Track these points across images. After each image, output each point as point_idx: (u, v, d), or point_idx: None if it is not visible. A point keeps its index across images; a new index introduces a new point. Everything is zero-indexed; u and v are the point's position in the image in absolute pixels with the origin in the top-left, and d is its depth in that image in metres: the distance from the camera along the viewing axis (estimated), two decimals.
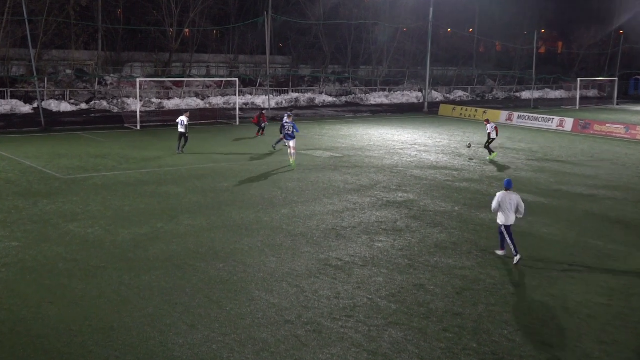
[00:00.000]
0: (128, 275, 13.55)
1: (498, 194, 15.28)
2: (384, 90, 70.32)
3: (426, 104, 57.61)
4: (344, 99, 64.68)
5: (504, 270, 14.70)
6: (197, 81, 58.97)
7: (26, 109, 46.13)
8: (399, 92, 69.99)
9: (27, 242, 15.60)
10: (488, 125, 30.47)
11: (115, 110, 49.02)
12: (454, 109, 53.14)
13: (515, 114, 48.44)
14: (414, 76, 75.01)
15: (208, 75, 64.17)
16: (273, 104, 56.04)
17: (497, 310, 12.44)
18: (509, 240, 15.29)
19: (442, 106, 55.15)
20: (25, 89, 49.86)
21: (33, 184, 22.18)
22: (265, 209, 19.42)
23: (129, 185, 22.23)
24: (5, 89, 48.08)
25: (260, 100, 57.29)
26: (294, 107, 57.28)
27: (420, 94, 68.11)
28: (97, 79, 54.05)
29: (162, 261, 14.48)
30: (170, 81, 57.25)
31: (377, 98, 66.20)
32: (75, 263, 14.21)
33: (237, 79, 46.67)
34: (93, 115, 46.45)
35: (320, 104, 60.85)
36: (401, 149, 32.63)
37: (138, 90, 40.55)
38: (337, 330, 11.33)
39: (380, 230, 17.62)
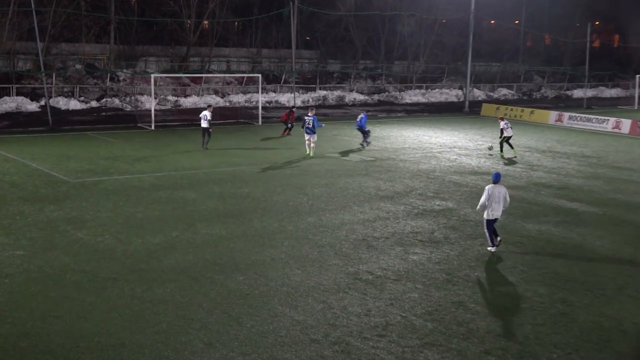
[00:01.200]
0: (140, 287, 13.64)
1: (487, 187, 16.66)
2: (420, 87, 70.10)
3: (467, 103, 57.31)
4: (376, 97, 64.59)
5: (552, 286, 14.55)
6: (216, 77, 59.32)
7: (32, 106, 46.71)
8: (437, 89, 69.71)
9: (33, 251, 15.78)
10: (502, 122, 32.56)
11: (128, 108, 49.47)
12: (497, 108, 52.80)
13: (566, 115, 48.01)
14: (453, 72, 74.68)
15: (228, 70, 64.52)
16: (299, 102, 56.14)
17: (545, 332, 12.30)
18: (486, 231, 16.79)
19: (484, 105, 54.81)
20: (32, 85, 50.51)
21: (39, 187, 22.46)
22: (289, 217, 19.44)
23: (142, 190, 22.40)
24: (10, 85, 48.73)
25: (285, 98, 57.45)
26: (321, 106, 57.36)
27: (460, 92, 67.75)
28: (108, 75, 54.62)
29: (177, 273, 14.56)
30: (188, 77, 57.64)
31: (413, 96, 66.01)
32: (84, 274, 14.35)
33: (259, 75, 46.86)
34: (104, 113, 46.93)
35: (351, 103, 60.82)
36: (439, 153, 32.49)
37: (153, 87, 40.89)
38: (367, 351, 11.29)
39: (416, 241, 17.54)
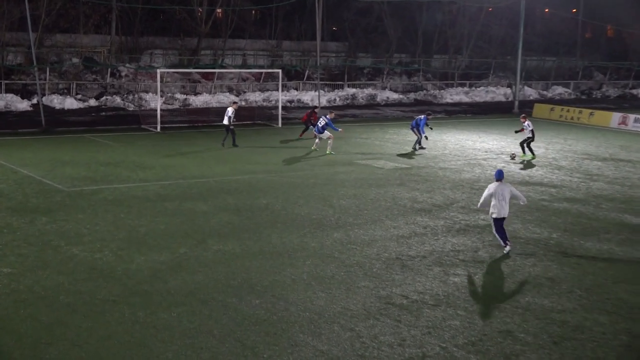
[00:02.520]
0: (143, 311, 13.69)
1: (490, 185, 18.18)
2: (463, 85, 69.92)
3: (516, 102, 57.03)
4: (412, 95, 64.53)
5: (615, 315, 14.40)
6: (231, 73, 59.59)
7: (23, 105, 47.18)
8: (482, 87, 69.50)
9: (22, 269, 15.89)
10: (526, 122, 33.33)
11: (131, 107, 49.83)
12: (552, 109, 52.51)
13: (631, 117, 47.60)
14: (501, 68, 74.41)
15: (244, 65, 64.81)
16: (324, 102, 56.23)
17: None
18: (497, 234, 18.19)
19: (536, 106, 54.51)
20: (23, 82, 51.05)
21: (30, 197, 22.65)
22: (313, 232, 19.43)
23: (146, 201, 22.52)
24: None
25: (309, 96, 57.57)
26: (349, 106, 57.39)
27: (509, 91, 67.45)
28: (109, 70, 55.07)
29: (184, 295, 14.59)
30: (198, 73, 57.95)
31: (455, 95, 65.86)
32: (80, 295, 14.43)
33: (280, 71, 46.92)
34: (104, 113, 47.30)
35: (383, 102, 60.81)
36: (484, 160, 32.36)
37: (159, 84, 41.12)
38: None
39: (457, 261, 17.45)
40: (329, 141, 32.93)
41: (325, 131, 32.93)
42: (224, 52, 63.98)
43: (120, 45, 59.80)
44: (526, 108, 55.83)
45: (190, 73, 57.54)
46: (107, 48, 58.44)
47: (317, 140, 33.47)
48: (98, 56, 58.27)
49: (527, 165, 31.41)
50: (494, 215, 18.11)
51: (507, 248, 18.20)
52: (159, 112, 40.03)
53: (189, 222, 20.10)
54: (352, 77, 65.80)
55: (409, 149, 34.48)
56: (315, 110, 38.09)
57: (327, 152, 32.59)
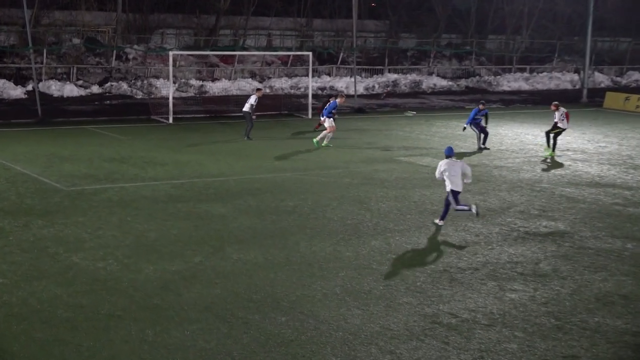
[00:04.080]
0: (152, 329, 13.78)
1: (441, 163, 20.88)
2: (522, 70, 69.56)
3: (585, 91, 56.65)
4: (463, 82, 64.31)
5: None
6: (253, 56, 59.71)
7: (17, 92, 47.63)
8: (544, 73, 69.11)
9: (15, 279, 16.05)
10: (557, 112, 32.55)
11: (139, 95, 50.15)
12: (627, 99, 52.05)
13: None
14: (567, 51, 73.94)
15: (269, 47, 64.95)
16: (361, 89, 56.22)
17: None
18: (456, 206, 20.74)
19: (608, 95, 54.09)
20: (17, 65, 51.52)
21: (24, 197, 22.88)
22: (347, 240, 19.45)
23: (156, 202, 22.66)
24: None
25: (343, 82, 57.56)
26: (390, 94, 57.29)
27: (576, 77, 66.99)
28: (114, 52, 55.41)
29: (200, 310, 14.67)
30: (217, 55, 58.13)
31: (513, 82, 65.55)
32: (80, 310, 14.54)
33: (310, 54, 46.90)
34: (108, 102, 47.68)
35: (430, 90, 60.69)
36: (549, 155, 32.20)
37: (171, 68, 41.30)
38: None
39: (515, 274, 17.38)
40: (325, 130, 32.98)
41: (329, 119, 32.81)
42: (245, 31, 64.16)
43: (127, 23, 60.15)
44: (596, 97, 55.48)
45: (207, 56, 57.73)
46: (112, 27, 58.80)
47: (329, 133, 33.10)
48: (102, 36, 58.65)
49: (554, 163, 30.96)
50: (450, 187, 20.71)
51: (441, 223, 20.98)
52: (171, 100, 40.20)
53: (205, 227, 20.19)
54: (394, 61, 65.67)
55: (460, 144, 34.36)
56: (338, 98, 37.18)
57: (316, 140, 32.68)
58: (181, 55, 55.03)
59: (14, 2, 51.12)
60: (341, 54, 63.09)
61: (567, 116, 32.47)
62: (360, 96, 53.06)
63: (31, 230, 19.43)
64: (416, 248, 19.01)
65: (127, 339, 13.32)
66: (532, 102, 55.18)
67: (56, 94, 48.53)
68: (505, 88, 63.98)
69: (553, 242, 19.94)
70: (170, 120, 39.18)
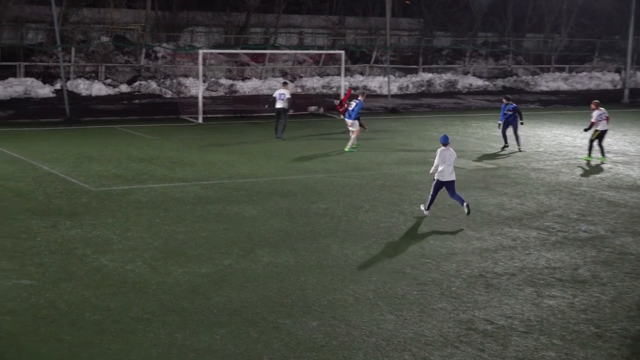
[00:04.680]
0: (181, 332, 13.83)
1: (438, 150, 21.63)
2: (561, 70, 69.22)
3: (627, 91, 56.29)
4: (500, 82, 64.08)
5: None
6: (285, 54, 59.82)
7: (45, 91, 48.00)
8: (584, 73, 68.73)
9: (43, 281, 16.17)
10: (595, 111, 31.60)
11: (168, 94, 50.39)
12: None
13: None
14: (607, 50, 73.48)
15: (301, 45, 65.02)
16: (394, 89, 56.16)
17: None
18: (431, 195, 21.89)
19: None
20: (45, 63, 51.91)
21: (52, 197, 23.05)
22: (380, 243, 19.43)
23: (185, 203, 22.75)
24: (17, 63, 50.15)
25: (377, 82, 57.57)
26: (424, 94, 57.20)
27: (617, 77, 66.55)
28: (143, 50, 55.70)
29: (229, 314, 14.71)
30: (247, 54, 58.29)
31: (551, 82, 65.26)
32: (108, 313, 14.63)
33: (342, 52, 46.98)
34: (137, 101, 47.92)
35: (465, 90, 60.54)
36: (587, 159, 32.02)
37: (201, 67, 41.47)
38: None
39: (553, 280, 17.29)
40: (351, 135, 32.32)
41: (355, 120, 32.22)
42: (276, 30, 64.26)
43: (157, 21, 60.45)
44: (639, 97, 55.08)
45: (237, 54, 57.90)
46: (141, 25, 59.09)
47: (351, 134, 32.49)
48: (131, 34, 58.97)
49: (594, 166, 30.76)
50: (437, 176, 21.72)
51: (427, 212, 22.05)
52: (200, 100, 40.37)
53: (235, 229, 20.25)
54: (428, 60, 65.59)
55: (496, 145, 34.25)
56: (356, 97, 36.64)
57: (346, 148, 32.16)
58: (211, 53, 55.21)
59: (42, 0, 51.52)
60: (374, 53, 63.04)
61: (607, 119, 31.74)
62: (394, 96, 53.00)
63: (59, 231, 19.58)
64: (451, 252, 18.96)
65: (156, 343, 13.38)
66: (571, 103, 54.89)
67: (84, 92, 48.87)
68: (544, 88, 63.69)
69: (593, 247, 19.81)
70: (200, 120, 39.32)
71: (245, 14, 62.11)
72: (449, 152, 21.64)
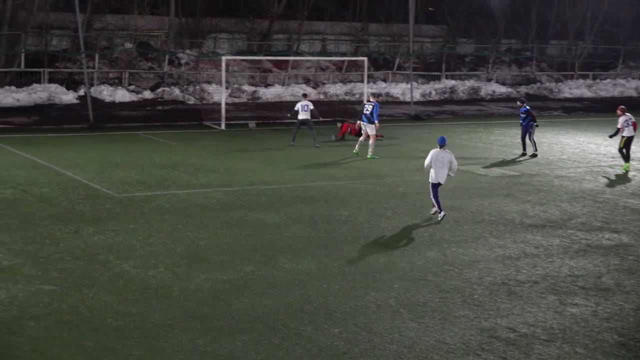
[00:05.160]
0: (203, 338, 13.85)
1: (431, 152, 22.22)
2: (585, 77, 68.99)
3: None
4: (523, 89, 63.93)
5: None
6: (307, 61, 59.90)
7: (69, 97, 48.30)
8: (608, 80, 68.47)
9: (65, 286, 16.24)
10: (621, 117, 31.03)
11: (192, 101, 50.56)
12: None
13: None
14: (632, 56, 73.14)
15: (323, 52, 65.10)
16: (417, 96, 56.11)
17: None
18: (433, 198, 22.22)
19: None
20: (69, 70, 52.24)
21: (75, 203, 23.16)
22: (402, 250, 19.41)
23: (208, 210, 22.80)
24: (41, 69, 50.47)
25: (399, 89, 57.57)
26: (447, 101, 57.15)
27: None
28: (167, 57, 55.93)
29: (251, 321, 14.72)
30: (270, 60, 58.42)
31: (575, 89, 65.05)
32: (131, 318, 14.68)
33: (365, 59, 47.02)
34: (160, 107, 48.11)
35: (488, 97, 60.42)
36: (610, 167, 31.86)
37: (224, 73, 41.59)
38: None
39: (576, 288, 17.21)
40: (369, 141, 32.28)
41: (372, 124, 32.12)
42: (299, 36, 64.38)
43: (180, 28, 60.70)
44: None
45: (260, 61, 58.06)
46: (164, 31, 59.36)
47: (363, 137, 32.72)
48: (154, 41, 59.23)
49: (620, 175, 30.64)
50: (431, 180, 22.24)
51: (442, 214, 22.16)
52: (223, 106, 40.48)
53: (257, 236, 20.27)
54: (451, 67, 65.54)
55: (519, 153, 34.15)
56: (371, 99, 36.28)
57: (369, 155, 32.08)
58: (234, 60, 55.36)
59: (66, 6, 51.82)
60: (397, 60, 63.05)
61: (634, 125, 31.27)
62: (417, 103, 52.96)
63: (82, 237, 19.66)
64: (473, 259, 18.90)
65: (178, 349, 13.41)
66: (595, 110, 54.69)
67: (108, 99, 49.12)
68: (567, 95, 63.50)
69: (616, 255, 19.70)
70: (223, 127, 39.42)
71: (268, 20, 62.26)
72: (443, 154, 22.22)
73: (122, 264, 17.71)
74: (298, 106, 34.45)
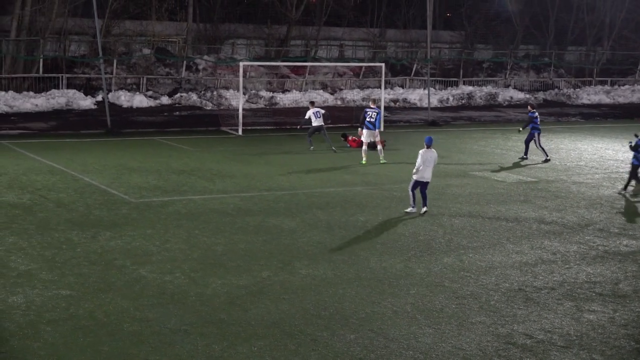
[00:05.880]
0: (219, 344, 13.87)
1: (420, 152, 23.17)
2: (603, 83, 68.79)
3: None
4: (541, 95, 63.83)
5: None
6: (325, 67, 59.95)
7: (87, 103, 48.48)
8: (627, 86, 68.23)
9: (82, 291, 16.30)
10: None
11: (209, 106, 50.67)
12: None
13: None
14: None
15: (341, 58, 65.17)
16: (435, 101, 56.07)
17: None
18: (418, 194, 23.38)
19: None
20: (87, 75, 52.47)
21: (92, 208, 23.24)
22: (419, 256, 19.38)
23: (225, 215, 22.84)
24: (59, 75, 50.69)
25: (417, 95, 57.52)
26: (464, 107, 57.08)
27: None
28: (185, 63, 56.08)
29: (267, 326, 14.73)
30: (287, 66, 58.50)
31: (593, 95, 64.83)
32: (147, 324, 14.71)
33: (383, 65, 47.02)
34: (178, 113, 48.23)
35: (506, 103, 60.29)
36: (628, 173, 31.71)
37: (241, 79, 41.64)
38: None
39: (593, 294, 17.15)
40: (378, 147, 32.72)
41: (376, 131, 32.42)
42: (317, 42, 64.47)
43: (198, 33, 60.92)
44: None
45: (277, 67, 58.15)
46: (182, 37, 59.58)
47: (370, 143, 32.61)
48: (172, 46, 59.46)
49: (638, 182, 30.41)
50: (415, 177, 23.23)
51: (411, 209, 23.44)
52: (240, 112, 40.54)
53: (274, 241, 20.29)
54: (469, 73, 65.44)
55: (537, 159, 34.08)
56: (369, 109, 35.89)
57: (381, 160, 32.31)
58: (251, 65, 55.48)
59: (85, 12, 52.08)
60: (415, 65, 63.01)
61: None
62: (434, 109, 52.92)
63: (99, 242, 19.72)
64: (490, 266, 18.87)
65: (194, 354, 13.43)
66: (613, 116, 54.51)
67: (125, 104, 49.30)
68: (585, 101, 63.29)
69: (634, 261, 19.63)
70: (240, 132, 39.48)
71: (285, 26, 62.35)
72: (431, 154, 23.27)
73: (138, 269, 17.76)
74: (310, 114, 34.54)
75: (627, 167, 31.90)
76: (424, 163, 23.09)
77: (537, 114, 34.16)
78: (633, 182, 27.80)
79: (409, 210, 23.46)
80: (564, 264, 19.20)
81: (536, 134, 33.79)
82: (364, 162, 31.83)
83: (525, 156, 34.05)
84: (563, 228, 22.59)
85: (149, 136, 38.42)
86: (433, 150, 23.44)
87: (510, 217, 23.55)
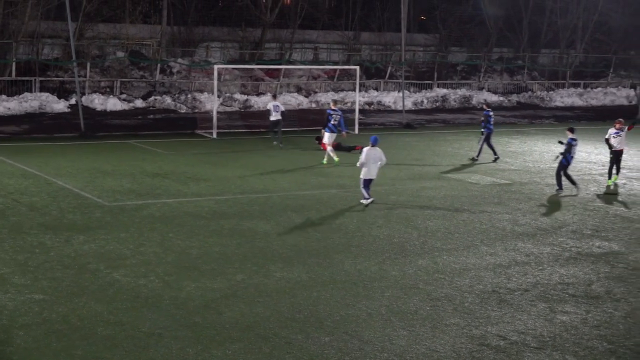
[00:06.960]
0: (193, 347, 13.85)
1: (364, 149, 24.50)
2: (576, 85, 69.13)
3: None
4: (514, 97, 64.03)
5: None
6: (299, 70, 59.93)
7: (60, 106, 48.18)
8: (599, 88, 68.63)
9: (55, 295, 16.23)
10: (614, 127, 30.13)
11: (183, 110, 50.54)
12: None
13: None
14: (623, 65, 73.31)
15: (315, 61, 65.16)
16: (409, 104, 56.17)
17: None
18: (363, 189, 24.68)
19: None
20: (60, 78, 52.15)
21: (66, 212, 23.13)
22: (393, 259, 19.42)
23: (199, 219, 22.80)
24: (32, 78, 50.38)
25: (391, 98, 57.58)
26: (439, 109, 57.26)
27: (632, 92, 66.44)
28: (159, 66, 55.89)
29: (241, 329, 14.72)
30: (262, 69, 58.45)
31: (566, 97, 65.17)
32: (121, 327, 14.67)
33: (357, 68, 47.08)
34: (152, 116, 48.05)
35: (480, 105, 60.36)
36: (601, 175, 31.91)
37: (216, 82, 41.56)
38: None
39: (566, 296, 17.24)
40: (329, 148, 32.63)
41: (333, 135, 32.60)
42: (291, 45, 64.44)
43: (172, 36, 60.69)
44: None
45: (252, 70, 58.06)
46: (156, 40, 59.34)
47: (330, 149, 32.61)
48: (146, 49, 59.23)
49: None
50: (363, 176, 24.62)
51: (369, 200, 24.69)
52: (215, 115, 40.46)
53: (248, 244, 20.27)
54: (443, 76, 65.59)
55: (510, 161, 34.21)
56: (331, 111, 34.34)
57: (336, 160, 32.16)
58: (226, 69, 55.35)
59: (58, 15, 51.83)
60: (389, 68, 63.09)
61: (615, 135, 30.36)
62: (409, 111, 53.02)
63: (72, 246, 19.64)
64: (464, 268, 18.94)
65: (168, 358, 13.41)
66: (586, 119, 54.78)
67: (99, 107, 49.05)
68: (558, 104, 63.63)
69: (606, 263, 19.76)
70: (214, 135, 39.42)
71: (260, 29, 62.29)
72: (375, 152, 24.54)
73: (112, 272, 17.71)
74: (270, 106, 35.57)
75: (600, 169, 32.10)
76: (368, 161, 24.29)
77: (492, 113, 34.40)
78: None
79: (368, 202, 24.76)
80: (537, 266, 19.30)
81: (486, 133, 34.01)
82: (336, 160, 31.95)
83: (476, 157, 34.25)
84: (536, 230, 22.70)
85: (123, 139, 38.29)
86: (377, 148, 24.61)
87: (484, 220, 23.64)
